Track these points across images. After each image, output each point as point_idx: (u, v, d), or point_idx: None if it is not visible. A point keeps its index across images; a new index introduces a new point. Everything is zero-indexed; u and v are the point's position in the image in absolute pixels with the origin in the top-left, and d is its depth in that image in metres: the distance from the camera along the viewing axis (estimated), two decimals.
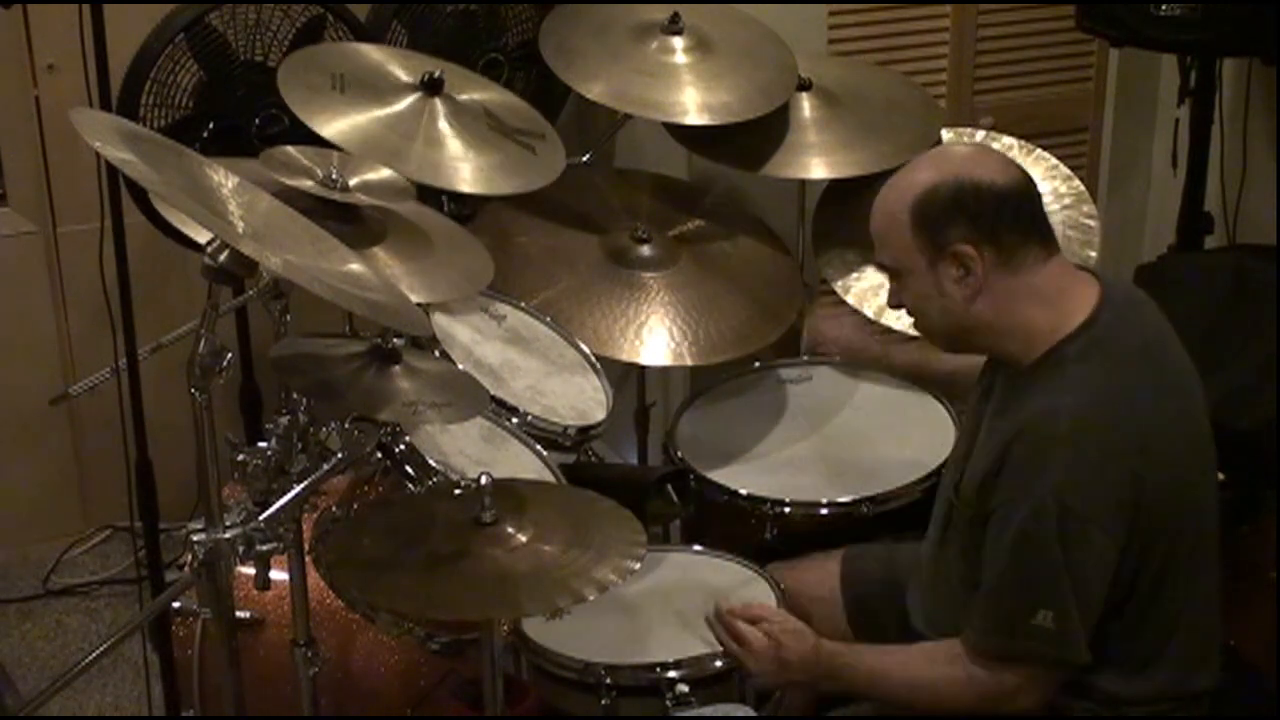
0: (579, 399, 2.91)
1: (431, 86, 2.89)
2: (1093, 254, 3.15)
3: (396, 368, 2.31)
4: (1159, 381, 2.25)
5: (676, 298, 3.10)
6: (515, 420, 2.77)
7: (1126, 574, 2.19)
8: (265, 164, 2.49)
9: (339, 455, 2.26)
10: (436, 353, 2.73)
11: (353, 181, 2.54)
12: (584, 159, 3.33)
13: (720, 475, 2.93)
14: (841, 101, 3.29)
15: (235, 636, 2.19)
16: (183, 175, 2.02)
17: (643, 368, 3.26)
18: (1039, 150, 3.35)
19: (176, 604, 2.55)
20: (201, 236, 2.28)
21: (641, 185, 3.38)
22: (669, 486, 2.87)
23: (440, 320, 2.86)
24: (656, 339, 3.04)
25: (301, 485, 2.18)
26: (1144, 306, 2.32)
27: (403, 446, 2.58)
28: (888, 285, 2.39)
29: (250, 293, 2.80)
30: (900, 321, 3.07)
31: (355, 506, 2.59)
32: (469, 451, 2.71)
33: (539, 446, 2.79)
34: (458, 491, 2.34)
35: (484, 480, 2.25)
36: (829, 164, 3.20)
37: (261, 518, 2.09)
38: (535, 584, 2.17)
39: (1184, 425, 2.26)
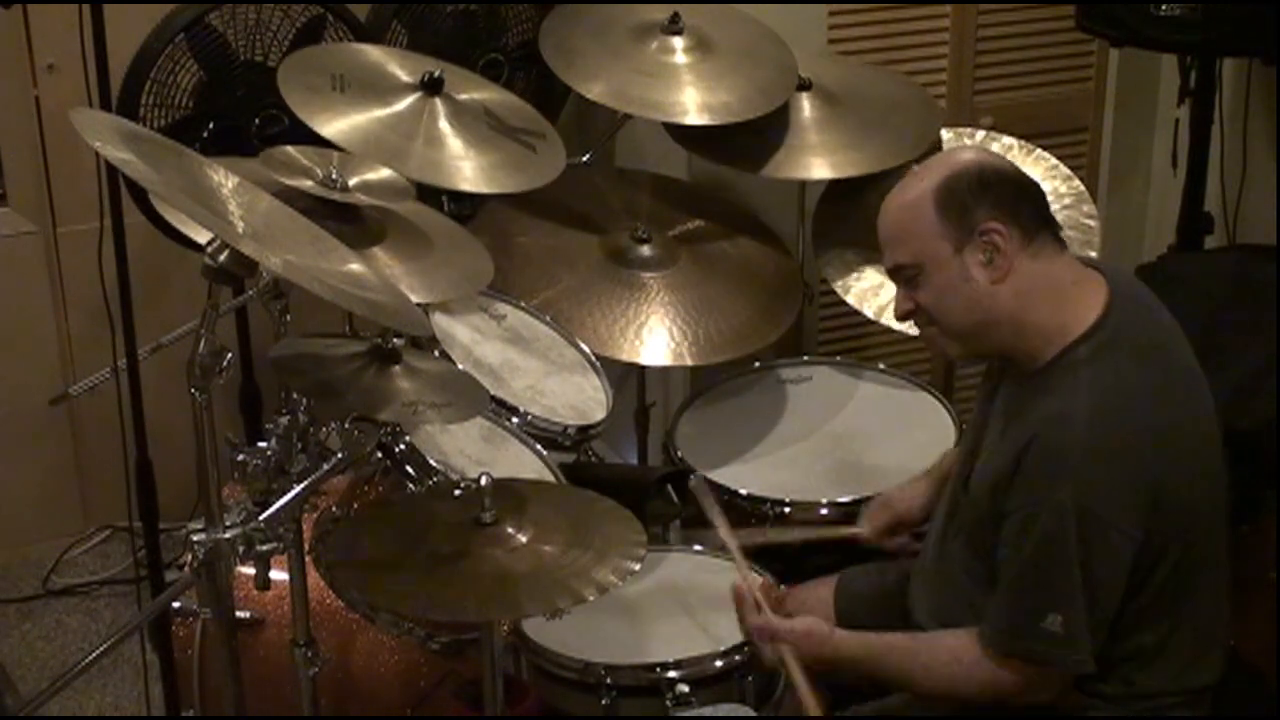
0: (579, 399, 2.91)
1: (431, 86, 2.89)
2: (1093, 254, 3.15)
3: (396, 368, 2.31)
4: (1169, 380, 2.25)
5: (676, 298, 3.11)
6: (515, 420, 2.77)
7: (1141, 573, 2.20)
8: (265, 164, 2.49)
9: (339, 455, 2.26)
10: (436, 353, 2.73)
11: (353, 181, 2.54)
12: (584, 159, 3.33)
13: (720, 475, 2.93)
14: (841, 101, 3.29)
15: (235, 636, 2.19)
16: (183, 175, 2.02)
17: (643, 368, 3.27)
18: (1039, 150, 3.35)
19: (176, 604, 2.56)
20: (201, 236, 2.28)
21: (641, 185, 3.38)
22: (669, 486, 2.87)
23: (440, 320, 2.86)
24: (656, 339, 3.04)
25: (301, 485, 2.18)
26: (1151, 304, 2.32)
27: (403, 446, 2.58)
28: (898, 288, 2.34)
29: (250, 293, 2.81)
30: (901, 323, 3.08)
31: (355, 506, 2.59)
32: (469, 451, 2.71)
33: (539, 446, 2.79)
34: (458, 491, 2.34)
35: (484, 480, 2.25)
36: (829, 164, 3.20)
37: (261, 518, 2.09)
38: (535, 584, 2.18)
39: (1195, 423, 2.27)
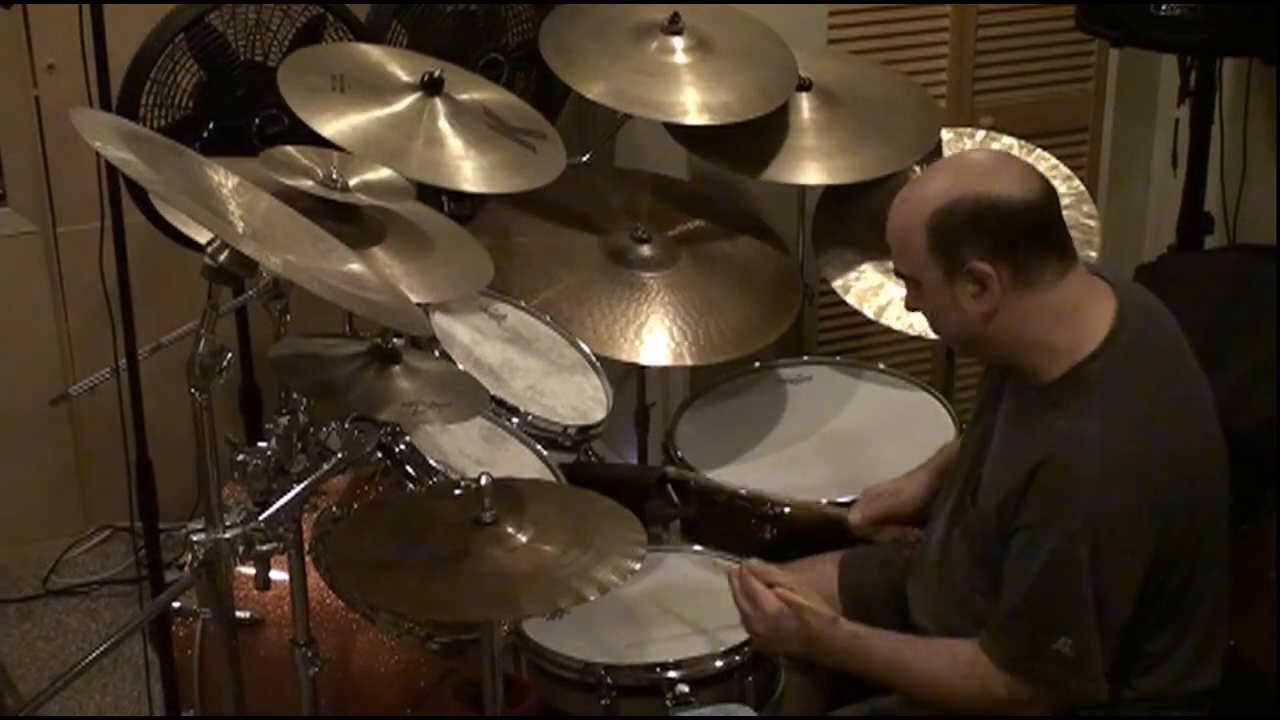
0: (579, 399, 2.91)
1: (431, 86, 2.89)
2: (1093, 254, 3.15)
3: (396, 368, 2.31)
4: (1179, 395, 2.25)
5: (676, 298, 3.11)
6: (515, 420, 2.77)
7: (1150, 589, 2.20)
8: (265, 164, 2.49)
9: (339, 455, 2.26)
10: (436, 353, 2.73)
11: (353, 181, 2.54)
12: (584, 159, 3.33)
13: (720, 475, 2.93)
14: (841, 102, 3.29)
15: (235, 636, 2.19)
16: (183, 175, 2.02)
17: (643, 368, 3.27)
18: (1039, 150, 3.35)
19: (176, 604, 2.56)
20: (201, 236, 2.28)
21: (641, 185, 3.38)
22: (669, 486, 2.87)
23: (440, 320, 2.86)
24: (656, 339, 3.04)
25: (301, 485, 2.18)
26: (1159, 316, 2.31)
27: (403, 446, 2.58)
28: (905, 288, 2.34)
29: (250, 293, 2.81)
30: (901, 321, 3.08)
31: (355, 506, 2.59)
32: (469, 451, 2.71)
33: (539, 446, 2.79)
34: (458, 491, 2.34)
35: (484, 480, 2.25)
36: (828, 169, 3.19)
37: (261, 518, 2.09)
38: (535, 584, 2.17)
39: (1203, 436, 2.27)
